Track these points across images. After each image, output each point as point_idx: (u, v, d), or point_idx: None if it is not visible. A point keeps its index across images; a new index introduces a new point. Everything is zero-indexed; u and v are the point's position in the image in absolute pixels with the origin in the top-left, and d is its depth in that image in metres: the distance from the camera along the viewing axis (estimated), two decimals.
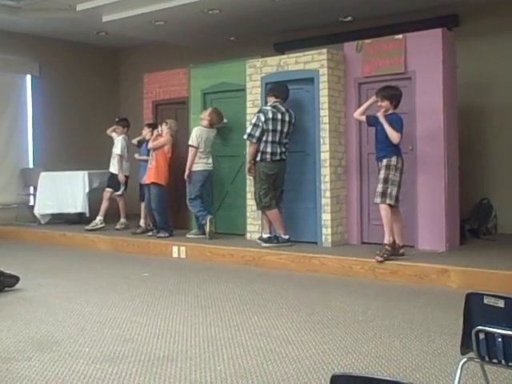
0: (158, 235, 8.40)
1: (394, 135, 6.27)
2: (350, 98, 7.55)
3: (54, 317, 4.91)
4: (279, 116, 7.25)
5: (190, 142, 8.16)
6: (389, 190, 6.28)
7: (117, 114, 12.09)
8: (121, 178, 9.31)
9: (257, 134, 7.20)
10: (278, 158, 7.29)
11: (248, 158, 7.43)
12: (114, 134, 9.59)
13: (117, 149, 9.34)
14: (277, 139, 7.26)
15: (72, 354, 3.94)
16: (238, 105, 8.30)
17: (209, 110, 8.27)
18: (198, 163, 8.16)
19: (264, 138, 7.22)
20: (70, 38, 11.41)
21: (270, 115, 7.20)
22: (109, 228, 9.28)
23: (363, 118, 6.72)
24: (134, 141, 9.42)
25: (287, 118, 7.32)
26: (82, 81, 11.86)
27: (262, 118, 7.19)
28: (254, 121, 7.26)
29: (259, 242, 7.41)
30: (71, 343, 4.18)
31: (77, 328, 4.57)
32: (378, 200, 6.33)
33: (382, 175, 6.33)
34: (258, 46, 9.70)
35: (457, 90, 7.31)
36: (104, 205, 9.42)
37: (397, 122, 6.33)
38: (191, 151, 8.14)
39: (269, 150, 7.24)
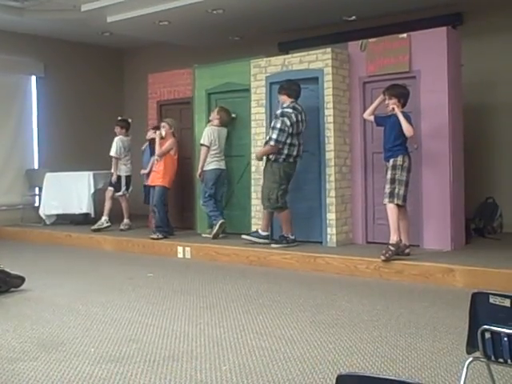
0: (151, 236, 8.39)
1: (409, 128, 6.25)
2: (355, 98, 7.54)
3: (59, 317, 4.92)
4: (299, 117, 7.21)
5: (201, 141, 8.18)
6: (396, 190, 6.25)
7: (121, 114, 12.12)
8: (113, 178, 9.35)
9: (283, 139, 7.08)
10: (297, 158, 7.31)
11: (261, 151, 7.39)
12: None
13: (111, 150, 9.31)
14: (299, 141, 7.24)
15: (77, 354, 3.95)
16: (242, 105, 8.31)
17: (216, 110, 8.31)
18: (211, 162, 8.19)
19: (289, 141, 7.14)
20: (75, 38, 11.43)
21: (294, 118, 7.15)
22: (113, 228, 9.28)
23: (372, 118, 6.74)
24: (143, 147, 9.39)
25: (304, 117, 7.28)
26: (86, 81, 11.89)
27: (288, 123, 7.10)
28: (278, 125, 7.08)
29: (250, 238, 7.47)
30: (77, 343, 4.18)
31: (82, 328, 4.57)
32: (385, 200, 6.30)
33: (388, 175, 6.31)
34: (263, 45, 9.70)
35: (462, 89, 7.29)
36: (107, 204, 9.42)
37: (407, 118, 6.32)
38: (203, 150, 8.17)
39: (294, 152, 7.21)
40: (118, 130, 9.47)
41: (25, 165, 11.21)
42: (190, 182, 9.03)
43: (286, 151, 7.19)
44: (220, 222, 8.03)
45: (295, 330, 4.43)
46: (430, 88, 6.93)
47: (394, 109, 6.31)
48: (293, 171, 7.32)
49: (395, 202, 6.25)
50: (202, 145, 8.20)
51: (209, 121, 8.44)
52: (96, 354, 3.93)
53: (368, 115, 6.80)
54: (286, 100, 7.27)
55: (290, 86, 7.31)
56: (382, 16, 8.89)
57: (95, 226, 9.32)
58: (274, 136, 7.10)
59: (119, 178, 9.41)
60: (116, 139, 9.36)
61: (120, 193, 9.42)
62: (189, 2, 8.31)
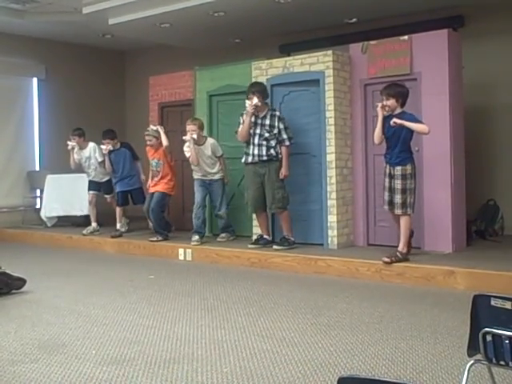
0: (150, 239, 8.39)
1: (423, 128, 6.09)
2: (356, 100, 7.54)
3: (60, 319, 4.92)
4: None
5: (221, 153, 8.09)
6: (408, 200, 6.20)
7: (122, 116, 12.15)
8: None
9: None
10: None
11: (288, 161, 7.28)
12: (73, 144, 9.25)
13: (99, 156, 9.19)
14: None
15: (78, 356, 3.95)
16: (243, 107, 8.27)
17: (196, 125, 7.91)
18: (221, 171, 8.17)
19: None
20: (76, 40, 11.45)
21: None
22: (111, 231, 9.21)
23: (383, 138, 6.36)
24: (106, 151, 8.98)
25: None
26: (87, 83, 11.90)
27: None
28: (286, 125, 7.28)
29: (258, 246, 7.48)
30: (78, 346, 4.18)
31: (83, 330, 4.58)
32: (399, 211, 6.23)
33: (399, 185, 6.19)
34: (264, 47, 9.71)
35: (463, 91, 7.29)
36: (93, 210, 9.44)
37: (413, 119, 6.15)
38: (224, 160, 8.15)
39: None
40: (79, 140, 9.28)
41: (26, 167, 11.22)
42: (191, 183, 9.02)
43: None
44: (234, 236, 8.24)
45: (296, 332, 4.43)
46: (430, 90, 6.93)
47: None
48: None
49: (408, 212, 6.23)
50: (221, 156, 8.12)
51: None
52: (97, 356, 3.94)
53: (380, 138, 6.34)
54: (263, 105, 7.33)
55: (266, 91, 7.41)
56: (383, 18, 8.89)
57: (87, 232, 9.32)
58: (291, 135, 7.31)
59: (110, 182, 9.44)
60: (95, 145, 9.29)
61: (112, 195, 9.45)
62: (190, 4, 8.31)
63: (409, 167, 6.22)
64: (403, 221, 6.26)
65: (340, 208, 7.39)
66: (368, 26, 8.99)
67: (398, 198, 6.21)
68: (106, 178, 9.43)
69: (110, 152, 8.96)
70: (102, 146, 8.97)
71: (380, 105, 6.29)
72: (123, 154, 9.01)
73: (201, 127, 8.01)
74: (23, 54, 10.96)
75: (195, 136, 7.86)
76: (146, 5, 8.62)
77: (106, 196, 9.53)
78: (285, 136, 7.25)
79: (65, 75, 11.58)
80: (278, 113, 7.33)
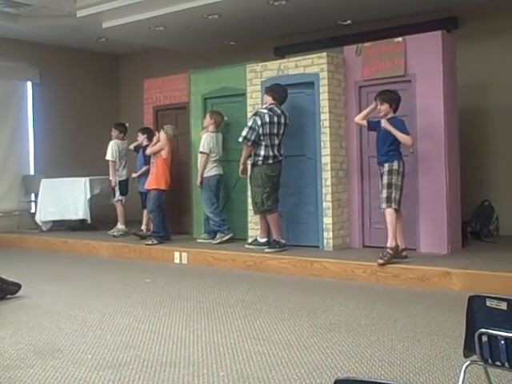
0: (146, 242, 8.38)
1: (406, 139, 6.29)
2: (351, 102, 7.55)
3: (56, 324, 4.90)
4: (275, 119, 7.26)
5: (201, 149, 8.13)
6: (393, 195, 6.27)
7: (117, 119, 12.11)
8: (112, 183, 9.30)
9: (252, 137, 7.20)
10: (277, 159, 7.33)
11: (242, 159, 7.41)
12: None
13: (107, 154, 9.30)
14: (275, 142, 7.29)
15: (74, 360, 3.94)
16: (238, 109, 8.30)
17: (208, 114, 8.30)
18: (211, 169, 8.19)
19: (264, 142, 7.22)
20: (71, 44, 11.43)
21: (267, 119, 7.20)
22: (104, 234, 9.16)
23: (364, 122, 6.72)
24: (131, 146, 9.41)
25: (282, 120, 7.34)
26: (82, 87, 11.88)
27: (259, 122, 7.18)
28: (250, 124, 7.23)
29: (252, 247, 7.53)
30: (73, 350, 4.17)
31: (79, 335, 4.56)
32: (383, 205, 6.31)
33: (385, 180, 6.32)
34: (258, 50, 9.71)
35: (457, 92, 7.31)
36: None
37: (401, 126, 6.33)
38: (202, 158, 8.13)
39: (271, 153, 7.24)
40: (115, 133, 9.44)
41: (21, 171, 11.18)
42: (187, 186, 9.02)
43: (262, 152, 7.25)
44: (230, 235, 8.08)
45: (292, 334, 4.42)
46: (425, 92, 6.95)
47: (384, 126, 6.33)
48: (275, 173, 7.34)
49: (393, 206, 6.27)
50: (201, 152, 8.14)
51: (202, 128, 8.45)
52: (93, 361, 3.92)
53: (360, 119, 6.77)
54: (268, 101, 7.36)
55: (279, 91, 7.38)
56: (377, 20, 8.90)
57: (116, 233, 9.35)
58: (244, 133, 7.27)
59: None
60: (111, 143, 9.35)
61: (115, 199, 9.40)
62: (184, 7, 8.32)
63: (395, 164, 6.32)
64: (388, 214, 6.29)
65: (335, 210, 7.40)
66: (362, 28, 9.00)
67: (383, 193, 6.31)
68: (123, 178, 9.42)
69: (136, 147, 9.18)
70: (139, 138, 9.18)
71: (376, 105, 6.53)
72: (141, 155, 9.08)
73: (212, 117, 8.20)
74: (17, 57, 10.93)
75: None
76: (140, 8, 8.61)
77: (116, 195, 9.49)
78: (243, 133, 7.27)
79: (59, 79, 11.56)
80: (255, 110, 7.41)
